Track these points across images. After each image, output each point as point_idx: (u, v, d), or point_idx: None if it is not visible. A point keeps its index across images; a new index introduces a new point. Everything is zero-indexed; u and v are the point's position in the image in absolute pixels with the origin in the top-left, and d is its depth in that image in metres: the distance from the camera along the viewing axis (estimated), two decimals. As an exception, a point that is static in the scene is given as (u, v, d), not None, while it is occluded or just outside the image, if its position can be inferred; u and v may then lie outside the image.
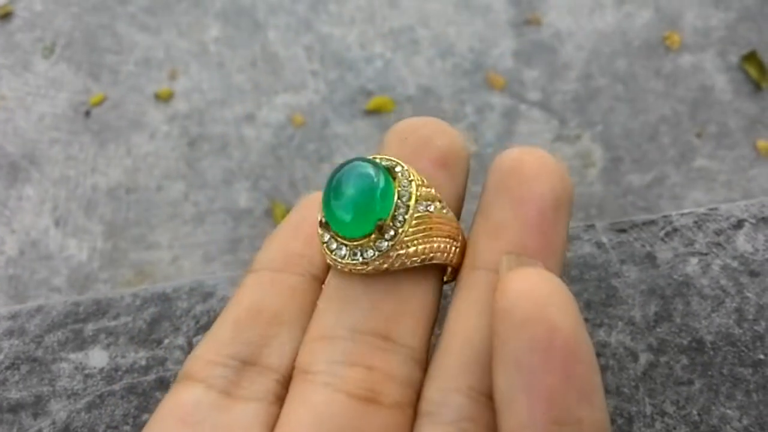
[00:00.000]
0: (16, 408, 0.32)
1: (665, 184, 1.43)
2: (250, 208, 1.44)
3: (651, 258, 0.34)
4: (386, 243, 0.22)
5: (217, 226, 1.42)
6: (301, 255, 0.24)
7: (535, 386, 0.18)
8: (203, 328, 0.34)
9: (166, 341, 0.34)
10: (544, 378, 0.18)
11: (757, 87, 1.51)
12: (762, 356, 0.32)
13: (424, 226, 0.22)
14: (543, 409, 0.18)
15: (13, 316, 0.35)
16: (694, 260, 0.34)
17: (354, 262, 0.22)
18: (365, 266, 0.22)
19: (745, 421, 0.30)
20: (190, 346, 0.33)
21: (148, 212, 1.44)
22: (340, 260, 0.22)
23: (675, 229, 0.35)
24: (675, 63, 1.55)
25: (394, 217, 0.22)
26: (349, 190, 0.22)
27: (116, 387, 0.33)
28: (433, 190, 0.23)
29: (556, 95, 1.53)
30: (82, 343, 0.34)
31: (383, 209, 0.22)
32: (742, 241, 0.34)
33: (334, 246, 0.23)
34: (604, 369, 0.32)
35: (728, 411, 0.31)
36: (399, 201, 0.22)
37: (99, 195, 1.46)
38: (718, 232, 0.35)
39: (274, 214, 1.42)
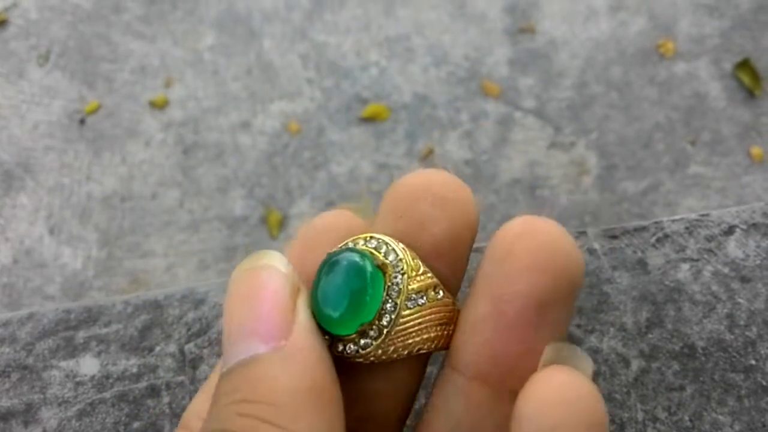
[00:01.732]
0: (6, 416, 0.32)
1: (660, 191, 1.43)
2: (245, 216, 1.43)
3: (642, 264, 0.34)
4: (371, 341, 0.22)
5: (212, 234, 1.42)
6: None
7: None
8: (195, 335, 0.34)
9: (158, 349, 0.34)
10: None
11: (750, 94, 1.51)
12: (753, 362, 0.32)
13: (413, 322, 0.22)
14: None
15: (4, 324, 0.35)
16: (685, 266, 0.34)
17: (339, 352, 0.22)
18: (350, 358, 0.22)
19: (737, 427, 0.30)
20: (182, 354, 0.33)
21: (142, 220, 1.44)
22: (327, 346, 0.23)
23: (666, 236, 0.35)
24: (669, 71, 1.55)
25: (380, 316, 0.22)
26: (337, 289, 0.22)
27: (107, 395, 0.33)
28: (428, 277, 0.23)
29: (550, 103, 1.53)
30: (73, 350, 0.34)
31: (368, 313, 0.22)
32: (733, 247, 0.34)
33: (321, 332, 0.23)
34: (595, 375, 0.32)
35: (720, 417, 0.31)
36: (388, 298, 0.22)
37: (94, 203, 1.46)
38: (709, 239, 0.35)
39: (269, 222, 1.42)
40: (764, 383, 0.31)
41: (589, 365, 0.21)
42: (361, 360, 0.22)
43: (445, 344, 0.23)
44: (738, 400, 0.31)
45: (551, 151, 1.48)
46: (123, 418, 0.32)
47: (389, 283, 0.22)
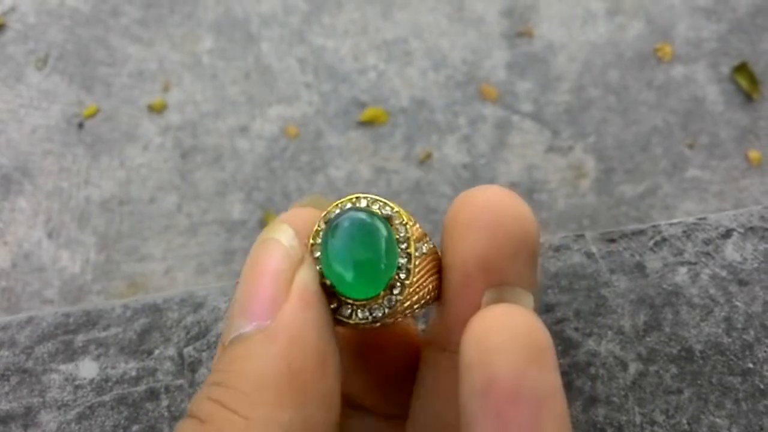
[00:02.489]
0: (5, 419, 0.32)
1: (657, 195, 1.43)
2: (243, 220, 1.43)
3: (640, 267, 0.34)
4: (395, 298, 0.21)
5: (211, 238, 1.42)
6: None
7: (472, 429, 0.18)
8: (194, 338, 0.34)
9: (157, 352, 0.34)
10: (482, 421, 0.18)
11: (748, 98, 1.51)
12: (751, 365, 0.32)
13: (422, 270, 0.22)
14: None
15: (3, 328, 0.35)
16: (683, 269, 0.34)
17: (363, 321, 0.22)
18: (374, 323, 0.22)
19: (734, 430, 0.30)
20: (180, 357, 0.33)
21: (141, 224, 1.44)
22: (345, 319, 0.22)
23: (664, 239, 0.35)
24: (667, 74, 1.55)
25: (398, 272, 0.21)
26: (351, 250, 0.21)
27: (106, 398, 0.33)
28: (419, 227, 0.23)
29: (548, 107, 1.53)
30: (72, 354, 0.34)
31: (388, 268, 0.21)
32: (730, 251, 0.34)
33: (334, 305, 0.22)
34: (593, 378, 0.32)
35: (718, 420, 0.31)
36: (400, 252, 0.22)
37: (92, 207, 1.46)
38: (707, 242, 0.35)
39: (267, 226, 1.41)
40: (762, 386, 0.31)
41: (530, 300, 0.21)
42: (388, 320, 0.22)
43: (437, 295, 0.23)
44: (736, 403, 0.31)
45: (549, 154, 1.48)
46: (122, 422, 0.32)
47: (397, 236, 0.22)
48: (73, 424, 0.32)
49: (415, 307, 0.22)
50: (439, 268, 0.22)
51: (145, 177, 1.48)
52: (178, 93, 1.57)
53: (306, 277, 0.21)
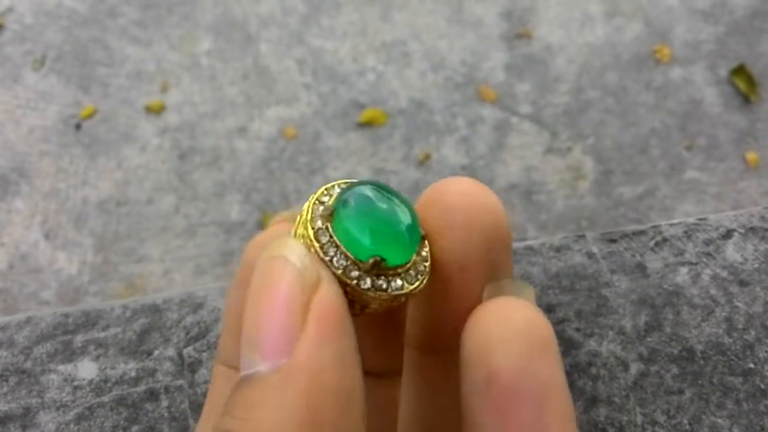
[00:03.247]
0: (4, 420, 0.32)
1: (656, 196, 1.44)
2: (241, 221, 1.43)
3: (641, 268, 0.34)
4: (425, 264, 0.20)
5: (209, 239, 1.42)
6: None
7: (474, 424, 0.18)
8: (193, 339, 0.34)
9: (156, 352, 0.33)
10: (484, 417, 0.18)
11: (746, 100, 1.51)
12: (752, 365, 0.32)
13: (424, 253, 0.21)
14: None
15: (2, 328, 0.35)
16: (684, 270, 0.34)
17: (396, 291, 0.20)
18: (407, 294, 0.20)
19: (735, 430, 0.30)
20: (180, 358, 0.33)
21: (138, 225, 1.44)
22: (379, 291, 0.20)
23: (665, 239, 0.35)
24: (665, 76, 1.55)
25: (422, 238, 0.21)
26: (378, 222, 0.20)
27: (105, 398, 0.32)
28: None
29: (547, 108, 1.53)
30: (71, 354, 0.34)
31: (414, 231, 0.20)
32: (731, 251, 0.34)
33: (354, 274, 0.19)
34: (594, 378, 0.32)
35: (719, 420, 0.31)
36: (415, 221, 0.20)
37: (89, 208, 1.46)
38: (707, 242, 0.35)
39: (265, 227, 1.41)
40: (763, 386, 0.31)
41: (530, 292, 0.20)
42: (422, 285, 0.20)
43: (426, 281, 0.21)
44: (736, 403, 0.31)
45: (548, 156, 1.48)
46: (122, 422, 0.32)
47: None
48: (72, 425, 0.32)
49: (425, 281, 0.21)
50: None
51: (142, 178, 1.48)
52: (176, 94, 1.57)
53: (325, 301, 0.18)
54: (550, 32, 1.62)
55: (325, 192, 0.21)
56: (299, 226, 0.20)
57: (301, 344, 0.17)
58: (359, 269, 0.19)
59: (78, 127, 1.54)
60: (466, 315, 0.20)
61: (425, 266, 0.20)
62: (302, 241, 0.20)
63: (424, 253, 0.20)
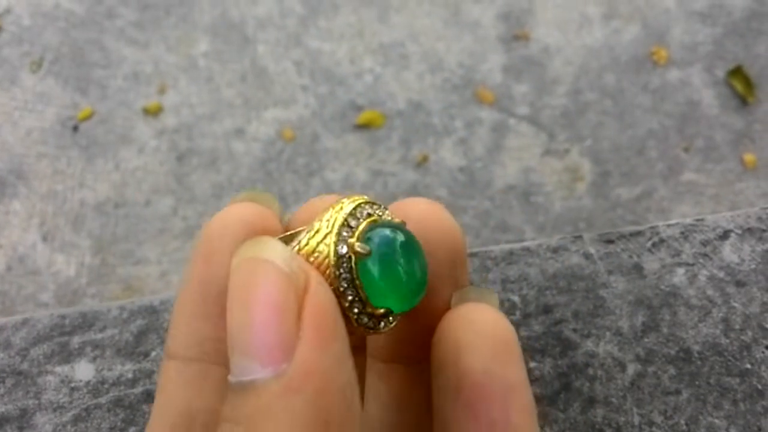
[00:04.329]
0: (1, 422, 0.32)
1: (653, 198, 1.44)
2: (239, 223, 1.43)
3: (638, 269, 0.34)
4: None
5: (206, 241, 1.41)
6: (216, 340, 0.21)
7: (446, 422, 0.19)
8: (190, 340, 0.34)
9: (153, 354, 0.33)
10: (456, 415, 0.19)
11: (743, 101, 1.52)
12: (749, 366, 0.32)
13: None
14: None
15: (-1, 329, 0.35)
16: (680, 271, 0.34)
17: (385, 328, 0.20)
18: (386, 329, 0.21)
19: (733, 431, 0.30)
20: (177, 359, 0.33)
21: (136, 227, 1.44)
22: (362, 325, 0.20)
23: (662, 240, 0.35)
24: (662, 78, 1.56)
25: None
26: (401, 267, 0.20)
27: (103, 400, 0.32)
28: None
29: (544, 110, 1.53)
30: (68, 355, 0.34)
31: (423, 280, 0.20)
32: (728, 252, 0.34)
33: (355, 311, 0.20)
34: (592, 379, 0.32)
35: (716, 420, 0.31)
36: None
37: (87, 210, 1.45)
38: (704, 243, 0.35)
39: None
40: (760, 387, 0.31)
41: (494, 297, 0.21)
42: (377, 332, 0.20)
43: None
44: (734, 404, 0.31)
45: (545, 157, 1.48)
46: (119, 424, 0.32)
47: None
48: (68, 427, 0.32)
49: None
50: None
51: (140, 180, 1.48)
52: (173, 95, 1.57)
53: (319, 304, 0.18)
54: (547, 34, 1.62)
55: (353, 213, 0.20)
56: (312, 234, 0.20)
57: (301, 348, 0.17)
58: (364, 308, 0.20)
59: (75, 128, 1.54)
60: (434, 330, 0.21)
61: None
62: (313, 255, 0.20)
63: None
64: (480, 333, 0.19)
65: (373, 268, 0.19)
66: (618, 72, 1.57)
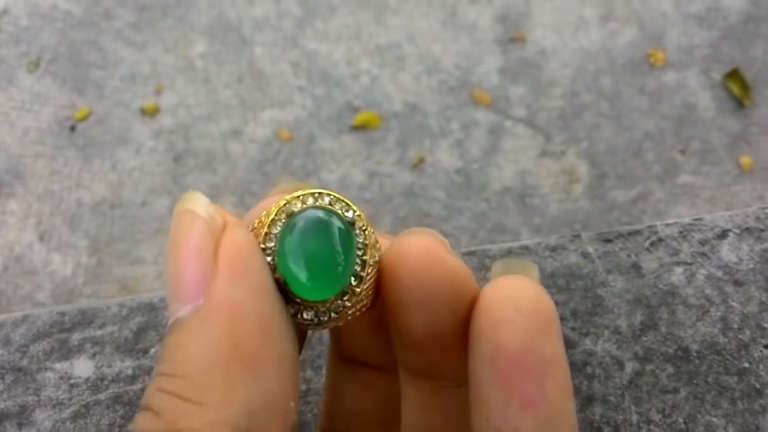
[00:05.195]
0: (0, 418, 0.32)
1: (649, 200, 1.44)
2: (235, 224, 1.43)
3: (636, 268, 0.34)
4: (344, 304, 0.21)
5: (203, 242, 1.41)
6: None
7: (481, 396, 0.19)
8: (190, 337, 0.34)
9: (153, 350, 0.33)
10: (490, 387, 0.19)
11: (739, 104, 1.52)
12: (747, 364, 0.32)
13: (372, 279, 0.21)
14: (486, 418, 0.19)
15: (-2, 326, 0.35)
16: (679, 270, 0.34)
17: (306, 321, 0.21)
18: (320, 326, 0.21)
19: (731, 429, 0.31)
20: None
21: (132, 227, 1.44)
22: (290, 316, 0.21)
23: (660, 239, 0.35)
24: (659, 80, 1.56)
25: (354, 277, 0.21)
26: (310, 252, 0.20)
27: (102, 396, 0.32)
28: (373, 232, 0.22)
29: (541, 112, 1.53)
30: (67, 352, 0.34)
31: (345, 274, 0.21)
32: (726, 251, 0.35)
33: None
34: (590, 378, 0.32)
35: (714, 419, 0.31)
36: (357, 258, 0.21)
37: (84, 210, 1.45)
38: (702, 242, 0.35)
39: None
40: (758, 386, 0.31)
41: (535, 270, 0.21)
42: (334, 324, 0.21)
43: (375, 303, 0.22)
44: (732, 402, 0.31)
45: (542, 159, 1.48)
46: (118, 420, 0.32)
47: (356, 242, 0.21)
48: (68, 423, 0.32)
49: (357, 313, 0.21)
50: (379, 275, 0.22)
51: (137, 180, 1.48)
52: (170, 96, 1.57)
53: (232, 243, 0.20)
54: (544, 36, 1.62)
55: (298, 198, 0.21)
56: (262, 223, 0.21)
57: (215, 284, 0.19)
58: (293, 298, 0.21)
59: (72, 129, 1.54)
60: (449, 353, 0.21)
61: (345, 306, 0.21)
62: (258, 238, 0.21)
63: (351, 293, 0.21)
64: (520, 308, 0.19)
65: (280, 256, 0.20)
66: (615, 74, 1.57)
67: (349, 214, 0.21)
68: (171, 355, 0.19)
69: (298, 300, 0.20)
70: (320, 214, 0.21)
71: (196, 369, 0.18)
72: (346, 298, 0.21)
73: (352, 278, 0.21)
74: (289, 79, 1.59)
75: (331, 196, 0.21)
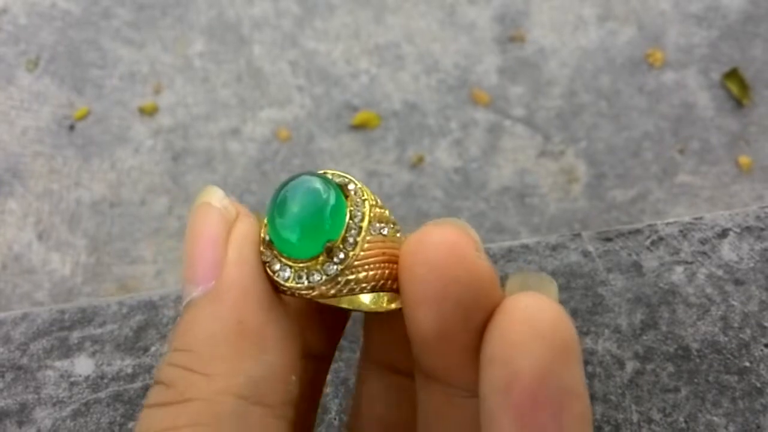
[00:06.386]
0: (0, 416, 0.32)
1: (648, 200, 1.44)
2: (234, 223, 1.43)
3: (637, 266, 0.34)
4: (335, 267, 0.20)
5: (202, 241, 1.41)
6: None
7: (492, 424, 0.18)
8: (190, 336, 0.34)
9: (153, 349, 0.33)
10: (502, 418, 0.18)
11: (738, 104, 1.52)
12: (747, 363, 0.32)
13: (376, 250, 0.21)
14: None
15: (-2, 324, 0.35)
16: (679, 269, 0.34)
17: (299, 285, 0.21)
18: (311, 291, 0.21)
19: (731, 428, 0.31)
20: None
21: (131, 226, 1.44)
22: (283, 282, 0.21)
23: (660, 238, 0.35)
24: (658, 80, 1.56)
25: (344, 239, 0.20)
26: (296, 208, 0.21)
27: (102, 395, 0.32)
28: (387, 212, 0.22)
29: (540, 111, 1.53)
30: (67, 350, 0.34)
31: (333, 230, 0.20)
32: (726, 250, 0.35)
33: (277, 267, 0.21)
34: (590, 377, 0.32)
35: (714, 418, 0.31)
36: (351, 221, 0.21)
37: (82, 209, 1.45)
38: (703, 241, 0.35)
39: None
40: (758, 385, 0.31)
41: (553, 288, 0.20)
42: (325, 289, 0.21)
43: (393, 285, 0.21)
44: (732, 401, 0.31)
45: (540, 159, 1.48)
46: (118, 419, 0.32)
47: (351, 207, 0.21)
48: (68, 421, 0.32)
49: (364, 285, 0.21)
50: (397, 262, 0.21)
51: (136, 179, 1.48)
52: (169, 95, 1.57)
53: (242, 231, 0.21)
54: (543, 36, 1.62)
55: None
56: None
57: (224, 267, 0.20)
58: (282, 260, 0.21)
59: (71, 128, 1.54)
60: (461, 359, 0.20)
61: (338, 268, 0.20)
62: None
63: (344, 256, 0.21)
64: (538, 331, 0.18)
65: (270, 222, 0.22)
66: (613, 74, 1.57)
67: (351, 187, 0.22)
68: (182, 332, 0.20)
69: (290, 263, 0.21)
70: (309, 178, 0.22)
71: (204, 343, 0.20)
72: (337, 260, 0.20)
73: (345, 242, 0.21)
74: (288, 78, 1.59)
75: (335, 174, 0.22)
